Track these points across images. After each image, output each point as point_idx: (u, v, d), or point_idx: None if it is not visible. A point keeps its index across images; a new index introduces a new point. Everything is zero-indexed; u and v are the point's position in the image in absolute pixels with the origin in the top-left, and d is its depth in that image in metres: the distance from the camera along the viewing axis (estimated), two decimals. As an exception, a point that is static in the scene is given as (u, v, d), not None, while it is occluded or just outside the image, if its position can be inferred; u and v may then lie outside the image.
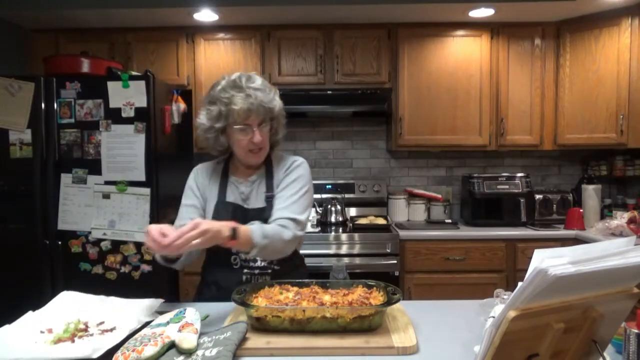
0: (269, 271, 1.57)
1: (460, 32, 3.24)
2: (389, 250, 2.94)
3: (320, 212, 3.34)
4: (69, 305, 1.38)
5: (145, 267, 2.71)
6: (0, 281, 2.69)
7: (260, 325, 1.23)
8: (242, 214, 1.56)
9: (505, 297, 1.35)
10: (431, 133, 3.27)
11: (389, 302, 1.26)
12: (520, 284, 0.76)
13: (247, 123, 1.50)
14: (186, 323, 1.16)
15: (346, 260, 2.92)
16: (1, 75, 2.69)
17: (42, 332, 1.22)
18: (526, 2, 2.87)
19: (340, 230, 3.11)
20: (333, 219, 3.29)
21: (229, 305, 1.46)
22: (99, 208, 2.70)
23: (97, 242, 2.70)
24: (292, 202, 1.54)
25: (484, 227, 3.16)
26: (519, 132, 3.28)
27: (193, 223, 1.27)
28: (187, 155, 3.36)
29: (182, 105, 3.04)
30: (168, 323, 1.19)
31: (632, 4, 2.88)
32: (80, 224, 2.71)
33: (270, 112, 1.54)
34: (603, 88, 3.04)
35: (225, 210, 1.56)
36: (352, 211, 3.51)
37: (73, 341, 1.17)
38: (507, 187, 3.24)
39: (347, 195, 3.47)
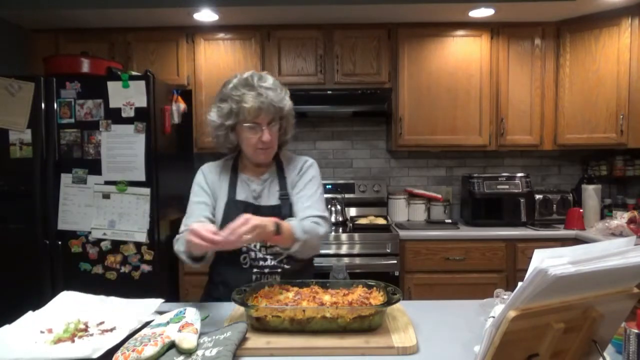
0: (279, 270, 1.57)
1: (460, 32, 3.24)
2: (389, 250, 2.94)
3: (320, 212, 3.34)
4: (69, 305, 1.38)
5: (145, 267, 2.71)
6: (0, 281, 2.70)
7: (260, 325, 1.23)
8: (254, 212, 1.56)
9: (505, 297, 1.35)
10: (431, 133, 3.27)
11: (389, 302, 1.26)
12: (520, 284, 0.76)
13: (257, 121, 1.52)
14: (186, 323, 1.16)
15: (346, 260, 2.92)
16: (1, 75, 2.69)
17: (42, 332, 1.22)
18: (526, 2, 2.87)
19: (340, 230, 3.11)
20: (333, 219, 3.29)
21: (229, 305, 1.46)
22: (99, 208, 2.70)
23: (97, 242, 2.70)
24: (315, 201, 1.59)
25: (484, 227, 3.16)
26: (519, 132, 3.28)
27: (243, 218, 1.28)
28: (187, 155, 3.36)
29: (182, 105, 3.04)
30: (168, 323, 1.19)
31: (632, 4, 2.88)
32: (80, 224, 2.71)
33: (280, 111, 1.55)
34: (603, 88, 3.04)
35: (236, 208, 1.57)
36: (352, 211, 3.51)
37: (73, 341, 1.17)
38: (507, 187, 3.24)
39: (347, 195, 3.47)
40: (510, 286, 2.85)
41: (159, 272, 2.73)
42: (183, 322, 1.16)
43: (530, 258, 0.77)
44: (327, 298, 1.31)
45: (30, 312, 1.32)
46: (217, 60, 3.26)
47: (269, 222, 1.35)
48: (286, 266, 1.58)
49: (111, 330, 1.24)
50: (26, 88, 2.68)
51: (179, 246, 1.51)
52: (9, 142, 2.69)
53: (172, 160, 3.02)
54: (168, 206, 2.93)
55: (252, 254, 1.57)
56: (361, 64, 3.25)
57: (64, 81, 2.69)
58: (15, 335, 1.19)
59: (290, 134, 1.68)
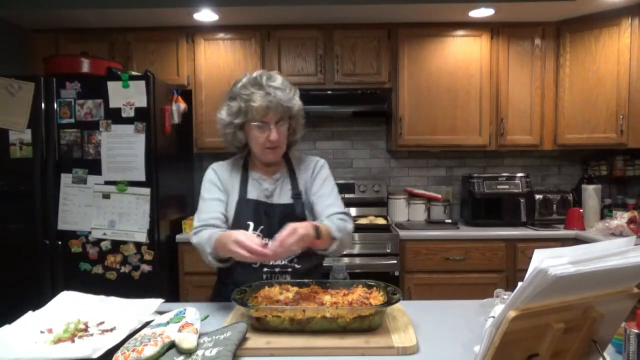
0: (289, 270, 1.57)
1: (460, 32, 3.24)
2: (389, 250, 2.94)
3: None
4: (69, 305, 1.38)
5: (145, 267, 2.71)
6: (0, 281, 2.70)
7: (260, 325, 1.23)
8: (267, 210, 1.58)
9: (505, 297, 1.35)
10: (431, 133, 3.27)
11: (389, 302, 1.26)
12: (520, 284, 0.76)
13: (265, 120, 1.52)
14: (186, 323, 1.16)
15: (346, 260, 2.92)
16: (1, 75, 2.70)
17: (42, 332, 1.22)
18: (526, 2, 2.87)
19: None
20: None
21: (229, 305, 1.46)
22: (99, 208, 2.70)
23: (97, 242, 2.71)
24: (335, 198, 1.63)
25: (484, 227, 3.16)
26: (519, 132, 3.28)
27: (290, 228, 1.30)
28: (187, 155, 3.36)
29: (182, 105, 3.04)
30: (168, 323, 1.19)
31: (632, 4, 2.88)
32: (80, 224, 2.71)
33: (289, 111, 1.56)
34: (603, 88, 3.04)
35: (247, 206, 1.58)
36: (352, 211, 3.51)
37: (73, 341, 1.17)
38: (507, 187, 3.24)
39: (347, 195, 3.47)
40: (510, 286, 2.85)
41: (159, 272, 2.73)
42: (183, 322, 1.16)
43: (530, 258, 0.77)
44: (327, 298, 1.31)
45: (30, 312, 1.32)
46: (217, 60, 3.26)
47: (309, 227, 1.37)
48: (297, 266, 1.57)
49: (111, 330, 1.24)
50: (26, 88, 2.68)
51: (203, 245, 1.49)
52: (9, 142, 2.69)
53: (172, 160, 3.02)
54: (168, 206, 2.93)
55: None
56: (361, 64, 3.25)
57: (64, 81, 2.69)
58: (15, 335, 1.19)
59: (300, 134, 1.69)
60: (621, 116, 2.95)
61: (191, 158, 3.48)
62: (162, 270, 2.78)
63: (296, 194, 1.62)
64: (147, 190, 2.69)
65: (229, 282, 1.60)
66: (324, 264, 1.73)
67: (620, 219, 2.87)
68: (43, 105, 2.69)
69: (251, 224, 1.55)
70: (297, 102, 1.59)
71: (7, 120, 2.69)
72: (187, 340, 1.09)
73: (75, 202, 2.71)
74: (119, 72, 2.74)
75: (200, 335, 1.16)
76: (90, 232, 2.70)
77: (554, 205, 3.30)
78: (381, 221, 3.23)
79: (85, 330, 1.24)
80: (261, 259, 1.29)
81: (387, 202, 3.52)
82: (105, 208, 2.70)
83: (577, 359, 0.88)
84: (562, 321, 0.79)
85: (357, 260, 2.93)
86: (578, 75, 3.16)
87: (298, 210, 1.60)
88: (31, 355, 1.09)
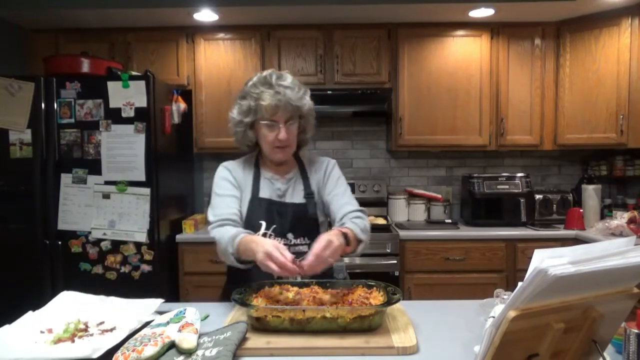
0: None
1: (460, 32, 3.24)
2: (389, 250, 2.94)
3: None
4: (69, 305, 1.38)
5: (145, 267, 2.71)
6: (0, 281, 2.70)
7: (260, 325, 1.23)
8: (280, 209, 1.59)
9: (505, 297, 1.35)
10: (431, 133, 3.27)
11: (389, 302, 1.26)
12: (520, 284, 0.76)
13: (274, 119, 1.53)
14: (186, 323, 1.16)
15: (346, 260, 2.91)
16: (1, 75, 2.70)
17: (42, 332, 1.22)
18: (526, 2, 2.87)
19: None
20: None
21: (229, 305, 1.46)
22: (99, 208, 2.70)
23: (97, 242, 2.71)
24: (350, 197, 1.65)
25: (484, 227, 3.16)
26: (519, 132, 3.28)
27: (325, 241, 1.30)
28: (187, 155, 3.36)
29: (182, 105, 3.04)
30: (168, 323, 1.19)
31: (632, 4, 2.88)
32: (80, 224, 2.71)
33: (298, 110, 1.56)
34: (603, 88, 3.04)
35: (260, 205, 1.59)
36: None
37: (73, 341, 1.17)
38: (507, 187, 3.24)
39: (347, 195, 3.46)
40: (510, 286, 2.85)
41: (159, 272, 2.73)
42: (183, 322, 1.16)
43: (530, 258, 0.77)
44: (327, 298, 1.31)
45: (30, 312, 1.32)
46: (217, 60, 3.25)
47: (339, 237, 1.37)
48: None
49: (111, 330, 1.24)
50: (26, 88, 2.68)
51: (225, 244, 1.45)
52: (9, 142, 2.69)
53: (172, 160, 3.02)
54: (168, 206, 2.93)
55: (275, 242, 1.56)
56: (361, 64, 3.25)
57: (64, 81, 2.69)
58: (15, 335, 1.19)
59: (311, 134, 1.69)
60: (621, 116, 2.95)
61: (191, 158, 3.48)
62: (162, 270, 2.78)
63: (309, 194, 1.63)
64: (147, 190, 2.69)
65: (239, 282, 1.60)
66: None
67: (620, 219, 2.87)
68: (43, 105, 2.69)
69: (263, 223, 1.55)
70: (307, 102, 1.59)
71: (7, 120, 2.69)
72: (187, 340, 1.09)
73: (75, 202, 2.71)
74: (119, 72, 2.74)
75: (200, 335, 1.16)
76: (90, 232, 2.70)
77: (554, 205, 3.30)
78: (381, 221, 3.23)
79: (85, 330, 1.24)
80: (291, 274, 1.28)
81: (387, 202, 3.52)
82: (105, 208, 2.70)
83: (577, 359, 0.88)
84: (562, 321, 0.79)
85: (357, 260, 2.93)
86: (578, 75, 3.16)
87: (311, 210, 1.61)
88: (31, 355, 1.09)
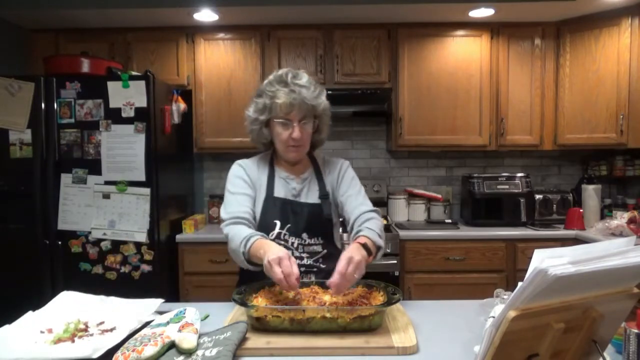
0: (315, 270, 1.57)
1: (460, 32, 3.24)
2: (389, 250, 2.93)
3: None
4: (69, 305, 1.38)
5: (145, 267, 2.71)
6: (0, 281, 2.70)
7: (260, 325, 1.23)
8: (294, 208, 1.59)
9: (505, 297, 1.35)
10: (431, 133, 3.27)
11: (389, 302, 1.26)
12: (520, 284, 0.76)
13: (289, 118, 1.53)
14: (186, 323, 1.16)
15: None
16: (1, 75, 2.70)
17: (42, 332, 1.22)
18: (526, 2, 2.87)
19: (340, 230, 3.10)
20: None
21: (229, 305, 1.46)
22: (99, 208, 2.70)
23: (97, 242, 2.71)
24: (364, 197, 1.66)
25: (484, 227, 3.16)
26: (519, 132, 3.28)
27: (346, 259, 1.29)
28: (187, 156, 3.36)
29: (182, 105, 3.04)
30: (168, 323, 1.19)
31: (632, 4, 2.88)
32: (80, 224, 2.71)
33: (313, 109, 1.56)
34: (603, 88, 3.04)
35: (274, 204, 1.59)
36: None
37: (73, 341, 1.17)
38: (507, 187, 3.24)
39: (347, 195, 3.46)
40: (510, 286, 2.85)
41: (159, 272, 2.73)
42: (183, 322, 1.16)
43: (530, 258, 0.77)
44: (327, 298, 1.31)
45: (30, 312, 1.32)
46: (217, 60, 3.25)
47: (360, 249, 1.37)
48: (322, 265, 1.57)
49: (111, 330, 1.24)
50: (26, 88, 2.68)
51: (237, 245, 1.44)
52: (9, 142, 2.69)
53: (172, 160, 3.02)
54: (168, 206, 2.93)
55: (289, 251, 1.55)
56: (361, 64, 3.25)
57: (64, 81, 2.69)
58: (15, 335, 1.19)
59: (326, 134, 1.69)
60: (621, 116, 2.95)
61: (191, 158, 3.49)
62: (162, 270, 2.78)
63: (324, 195, 1.63)
64: (147, 190, 2.69)
65: (252, 282, 1.59)
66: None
67: (620, 219, 2.87)
68: (43, 105, 2.69)
69: (278, 223, 1.55)
70: (322, 101, 1.59)
71: (7, 120, 2.69)
72: (187, 340, 1.09)
73: (75, 202, 2.71)
74: (119, 72, 2.75)
75: (200, 335, 1.16)
76: (90, 232, 2.70)
77: (554, 205, 3.30)
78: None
79: (85, 330, 1.24)
80: (291, 287, 1.26)
81: (387, 202, 3.52)
82: (105, 208, 2.70)
83: (577, 359, 0.88)
84: (562, 321, 0.79)
85: (357, 260, 2.93)
86: (578, 75, 3.15)
87: (326, 211, 1.61)
88: (31, 355, 1.09)
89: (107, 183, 2.69)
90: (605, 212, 3.27)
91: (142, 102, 2.67)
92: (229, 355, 1.05)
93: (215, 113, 3.25)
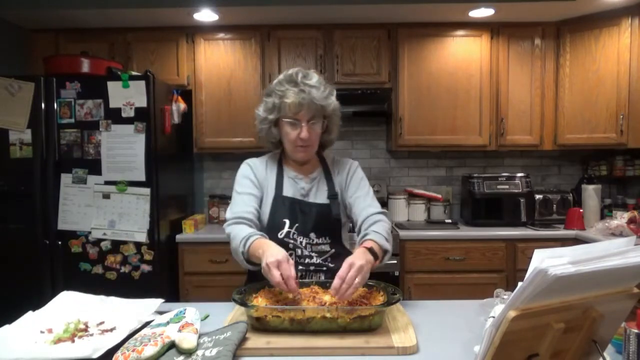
0: (324, 269, 1.57)
1: (460, 32, 3.24)
2: (389, 250, 2.93)
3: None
4: (69, 305, 1.38)
5: (145, 267, 2.71)
6: (0, 281, 2.70)
7: (260, 325, 1.23)
8: (303, 208, 1.59)
9: (505, 297, 1.35)
10: (431, 133, 3.27)
11: (389, 302, 1.26)
12: (520, 284, 0.76)
13: (297, 118, 1.53)
14: (186, 323, 1.16)
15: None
16: (1, 75, 2.70)
17: (42, 332, 1.22)
18: (526, 2, 2.87)
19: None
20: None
21: (229, 305, 1.46)
22: (99, 208, 2.70)
23: (97, 242, 2.71)
24: (372, 198, 1.64)
25: (484, 227, 3.16)
26: (519, 132, 3.28)
27: (347, 264, 1.28)
28: (187, 156, 3.36)
29: (182, 105, 3.04)
30: (168, 323, 1.19)
31: (632, 4, 2.88)
32: (80, 224, 2.71)
33: (323, 110, 1.55)
34: (603, 88, 3.04)
35: (283, 204, 1.59)
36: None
37: (73, 341, 1.17)
38: (507, 187, 3.24)
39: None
40: (510, 286, 2.85)
41: (159, 272, 2.73)
42: (183, 322, 1.16)
43: (530, 258, 0.77)
44: (327, 298, 1.31)
45: (30, 312, 1.32)
46: (217, 60, 3.25)
47: (365, 254, 1.36)
48: (330, 265, 1.57)
49: (111, 330, 1.24)
50: (26, 88, 2.68)
51: (237, 245, 1.45)
52: (9, 142, 2.69)
53: (172, 160, 3.02)
54: (168, 206, 2.93)
55: (299, 250, 1.56)
56: (361, 64, 3.25)
57: (64, 81, 2.69)
58: (15, 335, 1.19)
59: (335, 134, 1.69)
60: (621, 116, 2.95)
61: (191, 158, 3.49)
62: (162, 270, 2.78)
63: (332, 195, 1.63)
64: (147, 190, 2.69)
65: (262, 280, 1.59)
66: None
67: (620, 219, 2.87)
68: (43, 105, 2.69)
69: (287, 222, 1.55)
70: (332, 102, 1.58)
71: (7, 120, 2.69)
72: (187, 340, 1.09)
73: (75, 202, 2.71)
74: (119, 72, 2.75)
75: (200, 335, 1.16)
76: (90, 232, 2.70)
77: (554, 205, 3.30)
78: (381, 221, 3.22)
79: (85, 330, 1.24)
80: (291, 290, 1.26)
81: (387, 202, 3.52)
82: (105, 208, 2.70)
83: (577, 359, 0.88)
84: (562, 321, 0.79)
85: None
86: (578, 75, 3.15)
87: (334, 211, 1.60)
88: (31, 355, 1.09)
89: (107, 183, 2.69)
90: (605, 212, 3.27)
91: (142, 102, 2.67)
92: (229, 355, 1.05)
93: (215, 113, 3.25)
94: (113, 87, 2.67)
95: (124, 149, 2.69)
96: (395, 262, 2.93)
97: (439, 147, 3.37)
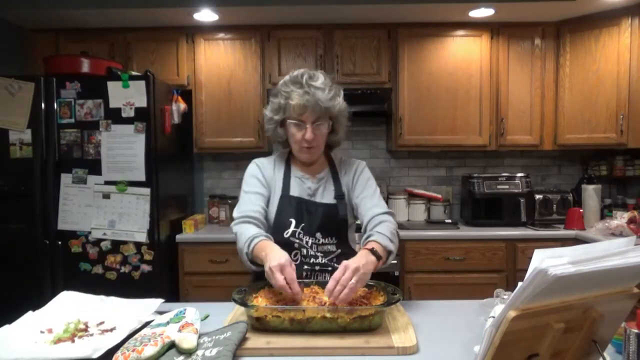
0: (329, 269, 1.57)
1: (460, 32, 3.24)
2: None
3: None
4: (69, 305, 1.38)
5: (145, 267, 2.71)
6: (0, 281, 2.70)
7: (260, 325, 1.23)
8: (309, 208, 1.59)
9: (505, 297, 1.35)
10: (431, 133, 3.27)
11: (389, 302, 1.26)
12: (520, 284, 0.76)
13: (302, 119, 1.53)
14: (186, 323, 1.16)
15: (346, 260, 2.91)
16: (1, 75, 2.70)
17: (42, 332, 1.22)
18: (526, 2, 2.87)
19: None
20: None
21: (229, 305, 1.46)
22: (99, 208, 2.70)
23: (97, 242, 2.71)
24: (378, 199, 1.63)
25: (484, 227, 3.16)
26: (519, 132, 3.28)
27: (342, 267, 1.27)
28: (187, 156, 3.36)
29: (182, 105, 3.04)
30: (168, 323, 1.19)
31: (632, 4, 2.88)
32: (80, 224, 2.71)
33: (328, 111, 1.55)
34: (603, 88, 3.04)
35: (290, 203, 1.59)
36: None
37: (73, 341, 1.17)
38: (507, 187, 3.24)
39: (347, 195, 3.46)
40: (510, 286, 2.85)
41: (159, 272, 2.73)
42: (183, 322, 1.16)
43: (530, 258, 0.77)
44: (327, 298, 1.31)
45: (30, 312, 1.32)
46: (217, 60, 3.25)
47: (367, 255, 1.35)
48: (336, 265, 1.56)
49: (111, 330, 1.24)
50: (26, 88, 2.68)
51: (242, 244, 1.45)
52: (9, 142, 2.69)
53: (172, 160, 3.02)
54: (168, 206, 2.93)
55: (304, 250, 1.56)
56: (361, 64, 3.25)
57: (64, 81, 2.69)
58: (15, 335, 1.19)
59: (342, 135, 1.69)
60: (621, 116, 2.95)
61: (191, 158, 3.49)
62: (162, 270, 2.78)
63: (339, 195, 1.63)
64: (147, 190, 2.69)
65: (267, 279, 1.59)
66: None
67: (620, 219, 2.87)
68: (43, 105, 2.69)
69: (293, 221, 1.56)
70: (338, 103, 1.59)
71: (7, 120, 2.69)
72: (187, 340, 1.09)
73: (75, 202, 2.71)
74: (119, 72, 2.74)
75: (200, 335, 1.16)
76: (90, 232, 2.70)
77: (554, 205, 3.30)
78: (381, 221, 3.22)
79: (85, 330, 1.24)
80: (294, 293, 1.25)
81: (387, 202, 3.52)
82: (105, 208, 2.70)
83: (577, 359, 0.88)
84: (562, 321, 0.79)
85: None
86: (578, 75, 3.15)
87: (341, 211, 1.60)
88: (31, 355, 1.09)
89: (107, 183, 2.69)
90: (605, 212, 3.27)
91: (142, 102, 2.67)
92: (229, 355, 1.05)
93: (215, 113, 3.25)
94: (113, 87, 2.67)
95: (124, 149, 2.69)
96: (396, 262, 2.93)
97: (439, 147, 3.37)
